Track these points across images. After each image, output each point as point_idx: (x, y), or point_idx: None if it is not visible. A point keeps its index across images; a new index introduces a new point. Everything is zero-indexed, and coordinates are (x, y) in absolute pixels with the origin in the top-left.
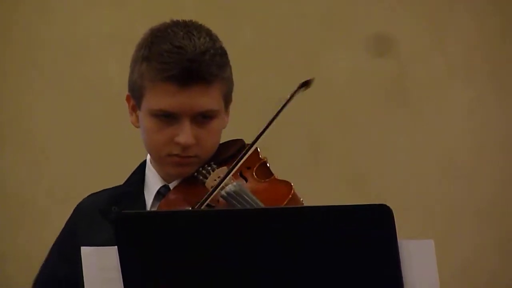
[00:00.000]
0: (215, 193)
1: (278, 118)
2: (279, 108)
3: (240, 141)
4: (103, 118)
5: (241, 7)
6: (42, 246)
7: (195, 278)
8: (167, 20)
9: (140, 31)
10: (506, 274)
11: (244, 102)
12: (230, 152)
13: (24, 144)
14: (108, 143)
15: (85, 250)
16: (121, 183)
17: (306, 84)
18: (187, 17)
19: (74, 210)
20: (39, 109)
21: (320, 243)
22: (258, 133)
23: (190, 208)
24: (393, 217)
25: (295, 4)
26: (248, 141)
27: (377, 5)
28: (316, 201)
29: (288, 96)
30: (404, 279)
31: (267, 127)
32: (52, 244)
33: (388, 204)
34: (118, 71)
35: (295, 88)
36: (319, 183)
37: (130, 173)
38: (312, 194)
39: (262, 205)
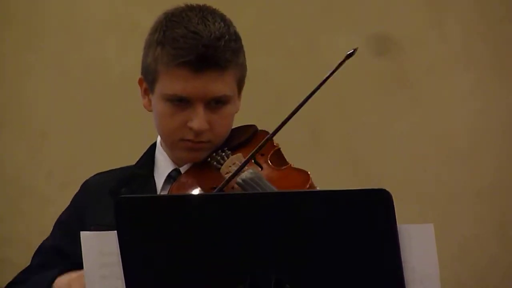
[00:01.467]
0: (232, 176)
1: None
2: (325, 78)
3: (253, 126)
4: (103, 102)
5: None
6: (41, 230)
7: (195, 263)
8: (167, 4)
9: (139, 14)
10: (506, 257)
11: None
12: (243, 138)
13: (23, 127)
14: (108, 127)
15: (84, 234)
16: (120, 165)
17: (352, 55)
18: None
19: (81, 187)
20: (39, 92)
21: (322, 227)
22: (292, 111)
23: (203, 193)
24: (392, 201)
25: None
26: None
27: None
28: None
29: (334, 67)
30: (404, 263)
31: (304, 103)
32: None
33: (387, 189)
34: (117, 55)
35: (342, 59)
36: (319, 168)
37: (140, 156)
38: (313, 178)
39: None
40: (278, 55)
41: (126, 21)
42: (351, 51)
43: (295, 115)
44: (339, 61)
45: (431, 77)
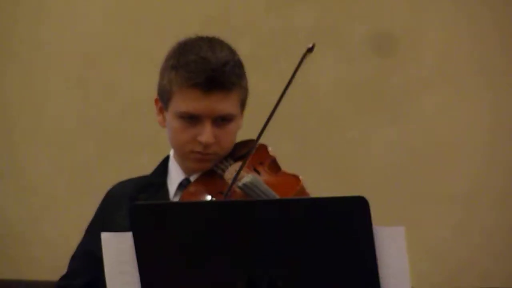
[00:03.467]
0: (234, 183)
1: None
2: (290, 77)
3: (252, 141)
4: (119, 120)
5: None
6: (63, 232)
7: (201, 261)
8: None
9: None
10: (475, 261)
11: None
12: (244, 150)
13: (44, 141)
14: (124, 138)
15: (104, 235)
16: (137, 175)
17: (312, 49)
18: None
19: (105, 196)
20: (57, 106)
21: (308, 229)
22: (269, 113)
23: (210, 198)
24: (369, 207)
25: (285, 19)
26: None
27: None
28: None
29: (297, 64)
30: (379, 261)
31: (278, 102)
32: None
33: (365, 195)
34: (130, 79)
35: (302, 54)
36: (306, 176)
37: (155, 167)
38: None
39: (275, 194)
40: (268, 76)
41: (137, 50)
42: (310, 46)
43: (288, 129)
44: (301, 57)
45: (405, 97)
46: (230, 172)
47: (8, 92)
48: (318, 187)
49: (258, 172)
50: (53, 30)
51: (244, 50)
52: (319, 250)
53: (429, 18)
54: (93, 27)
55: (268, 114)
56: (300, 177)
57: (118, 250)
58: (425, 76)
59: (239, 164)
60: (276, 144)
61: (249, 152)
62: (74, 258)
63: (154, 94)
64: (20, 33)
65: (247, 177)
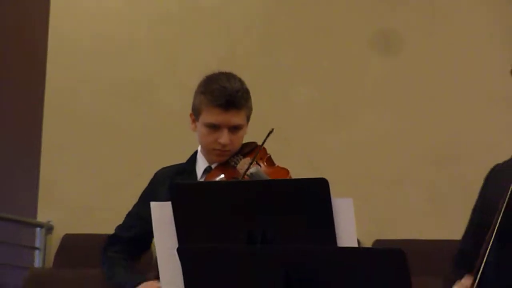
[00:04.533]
0: (244, 171)
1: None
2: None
3: (254, 142)
4: (164, 129)
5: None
6: (122, 204)
7: (221, 221)
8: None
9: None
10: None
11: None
12: (248, 149)
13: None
14: (170, 141)
15: (152, 204)
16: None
17: (270, 133)
18: None
19: (153, 176)
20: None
21: (285, 202)
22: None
23: (225, 179)
24: (328, 185)
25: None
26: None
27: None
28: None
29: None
30: (335, 223)
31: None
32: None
33: (328, 177)
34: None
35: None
36: (288, 165)
37: (188, 157)
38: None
39: None
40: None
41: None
42: (271, 130)
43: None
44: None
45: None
46: (241, 164)
47: None
48: (295, 171)
49: (259, 165)
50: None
51: (248, 81)
52: (293, 213)
53: None
54: (149, 59)
55: (262, 125)
56: (288, 170)
57: (162, 214)
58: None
59: (247, 158)
60: (268, 143)
61: (256, 153)
62: (129, 215)
63: (188, 110)
64: None
65: (253, 168)
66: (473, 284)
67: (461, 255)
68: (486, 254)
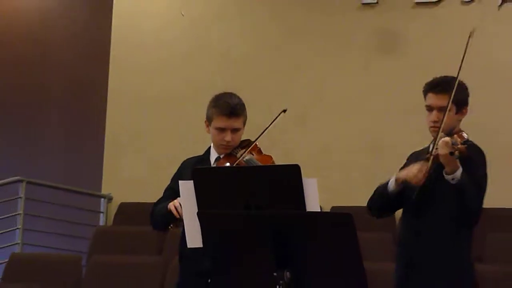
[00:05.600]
0: (242, 159)
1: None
2: (266, 127)
3: (248, 139)
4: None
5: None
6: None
7: (227, 195)
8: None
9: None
10: None
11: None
12: (244, 144)
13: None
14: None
15: (180, 182)
16: (197, 154)
17: (284, 111)
18: None
19: (181, 164)
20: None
21: (264, 185)
22: (256, 138)
23: (229, 165)
24: (300, 170)
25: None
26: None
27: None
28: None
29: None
30: (305, 196)
31: (260, 135)
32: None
33: (300, 163)
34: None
35: (277, 115)
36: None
37: (204, 151)
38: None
39: (260, 164)
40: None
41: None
42: (285, 109)
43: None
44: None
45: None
46: (240, 154)
47: None
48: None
49: (252, 154)
50: None
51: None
52: (276, 188)
53: None
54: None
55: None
56: (272, 156)
57: (186, 189)
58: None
59: (244, 150)
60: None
61: (250, 146)
62: (166, 189)
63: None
64: None
65: (248, 156)
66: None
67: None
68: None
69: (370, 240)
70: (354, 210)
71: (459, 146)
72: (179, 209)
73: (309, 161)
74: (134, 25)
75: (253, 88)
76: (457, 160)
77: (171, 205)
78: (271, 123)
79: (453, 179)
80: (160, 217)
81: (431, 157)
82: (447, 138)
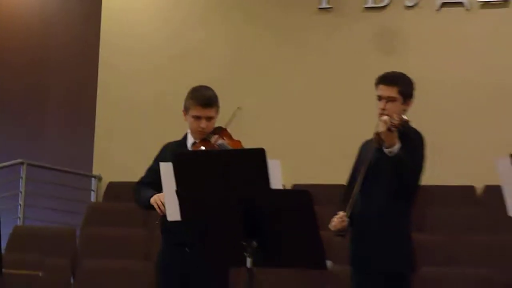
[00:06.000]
0: (215, 143)
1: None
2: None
3: (220, 126)
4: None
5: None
6: (147, 162)
7: (203, 177)
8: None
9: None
10: None
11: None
12: (217, 130)
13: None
14: (171, 126)
15: (161, 164)
16: (175, 139)
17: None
18: None
19: (162, 147)
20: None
21: (234, 166)
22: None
23: (204, 149)
24: (265, 153)
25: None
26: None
27: None
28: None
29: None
30: (269, 175)
31: (228, 123)
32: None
33: (265, 146)
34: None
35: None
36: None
37: (182, 136)
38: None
39: (231, 148)
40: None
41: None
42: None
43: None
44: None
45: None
46: (213, 139)
47: None
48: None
49: (223, 139)
50: None
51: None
52: (245, 168)
53: None
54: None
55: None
56: (241, 141)
57: (167, 170)
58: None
59: (216, 136)
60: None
61: (222, 131)
62: (148, 169)
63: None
64: None
65: (220, 141)
66: (347, 211)
67: (344, 194)
68: (355, 192)
69: (327, 213)
70: (314, 188)
71: (395, 122)
72: (161, 208)
73: (275, 145)
74: (122, 30)
75: (229, 83)
76: (396, 137)
77: (153, 202)
78: (231, 119)
79: (390, 152)
80: (143, 204)
81: (376, 138)
82: (386, 117)
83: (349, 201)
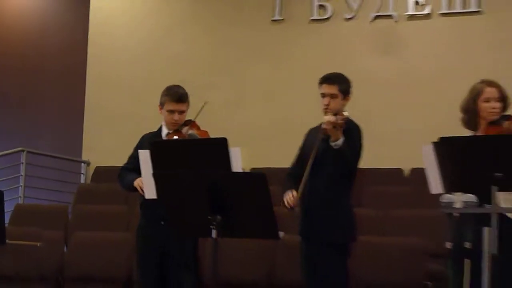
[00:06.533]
0: (186, 133)
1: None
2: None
3: (190, 119)
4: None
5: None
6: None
7: (172, 161)
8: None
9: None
10: None
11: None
12: (187, 122)
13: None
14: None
15: (140, 151)
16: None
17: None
18: None
19: (141, 137)
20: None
21: (201, 152)
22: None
23: (176, 138)
24: (227, 141)
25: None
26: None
27: None
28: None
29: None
30: (231, 160)
31: (197, 115)
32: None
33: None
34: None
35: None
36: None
37: (157, 127)
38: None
39: (200, 137)
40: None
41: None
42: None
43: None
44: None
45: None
46: (184, 130)
47: None
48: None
49: (193, 130)
50: None
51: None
52: (210, 155)
53: None
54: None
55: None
56: (208, 131)
57: (145, 156)
58: None
59: (187, 127)
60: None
61: (191, 123)
62: (129, 158)
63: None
64: None
65: (190, 131)
66: (299, 190)
67: (289, 175)
68: (306, 174)
69: (279, 192)
70: (269, 171)
71: (339, 122)
72: (143, 188)
73: (237, 134)
74: (108, 30)
75: (197, 83)
76: (340, 133)
77: (136, 185)
78: (201, 108)
79: (336, 145)
80: (127, 187)
81: (322, 131)
82: (331, 117)
83: (302, 181)
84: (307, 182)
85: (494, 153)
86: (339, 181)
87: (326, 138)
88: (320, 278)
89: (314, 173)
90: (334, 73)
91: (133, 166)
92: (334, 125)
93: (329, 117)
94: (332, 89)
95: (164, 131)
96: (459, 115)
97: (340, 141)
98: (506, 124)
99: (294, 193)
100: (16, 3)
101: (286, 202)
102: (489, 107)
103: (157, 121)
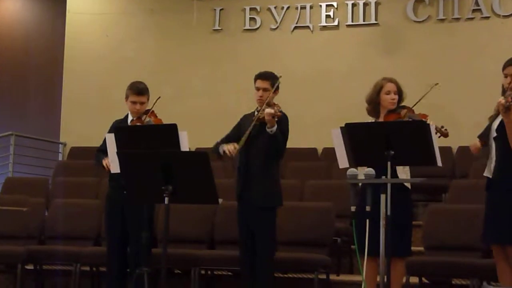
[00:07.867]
0: (144, 120)
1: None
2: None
3: (149, 109)
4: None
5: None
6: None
7: (136, 143)
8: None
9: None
10: None
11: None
12: (147, 112)
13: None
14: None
15: (107, 135)
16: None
17: (158, 98)
18: None
19: (112, 124)
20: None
21: (156, 136)
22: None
23: (137, 124)
24: (177, 127)
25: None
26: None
27: None
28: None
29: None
30: (180, 142)
31: (153, 105)
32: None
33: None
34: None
35: (156, 98)
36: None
37: (124, 115)
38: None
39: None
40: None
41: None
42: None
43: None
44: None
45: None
46: (143, 117)
47: None
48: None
49: (151, 118)
50: None
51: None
52: (164, 138)
53: None
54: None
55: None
56: (162, 119)
57: (111, 139)
58: None
59: (146, 116)
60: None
61: (150, 112)
62: (103, 141)
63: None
64: None
65: (148, 119)
66: (238, 145)
67: (220, 141)
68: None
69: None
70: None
71: (277, 113)
72: (108, 165)
73: (185, 120)
74: (81, 35)
75: (154, 79)
76: (275, 120)
77: (104, 163)
78: (156, 101)
79: (271, 131)
80: (98, 164)
81: (258, 118)
82: (272, 110)
83: (241, 139)
84: (246, 139)
85: (387, 135)
86: (270, 158)
87: (262, 124)
88: (255, 235)
89: (251, 152)
90: (267, 71)
91: (105, 147)
92: (273, 115)
93: (270, 110)
94: (265, 84)
95: (129, 118)
96: (361, 105)
97: (275, 128)
98: (403, 112)
99: (236, 145)
100: (4, 14)
101: (228, 151)
102: (389, 98)
103: (122, 109)
